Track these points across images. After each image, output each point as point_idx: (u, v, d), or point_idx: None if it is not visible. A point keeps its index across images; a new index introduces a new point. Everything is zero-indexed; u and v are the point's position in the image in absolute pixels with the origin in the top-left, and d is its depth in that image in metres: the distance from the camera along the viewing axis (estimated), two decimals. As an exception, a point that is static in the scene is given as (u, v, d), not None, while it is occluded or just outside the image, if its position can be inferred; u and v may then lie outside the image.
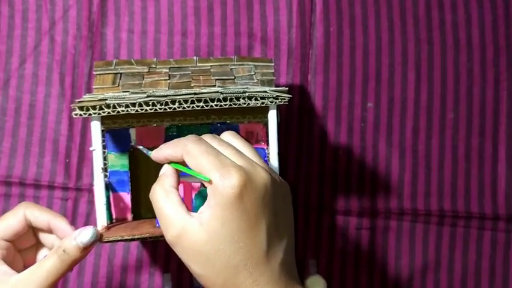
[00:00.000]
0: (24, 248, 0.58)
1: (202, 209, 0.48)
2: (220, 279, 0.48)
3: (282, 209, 0.52)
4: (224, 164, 0.49)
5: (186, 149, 0.50)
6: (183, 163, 0.51)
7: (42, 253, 0.60)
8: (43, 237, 0.59)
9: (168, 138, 0.63)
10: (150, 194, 0.51)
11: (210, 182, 0.48)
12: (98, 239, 0.54)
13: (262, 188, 0.49)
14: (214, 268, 0.48)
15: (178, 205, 0.49)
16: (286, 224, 0.52)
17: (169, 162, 0.53)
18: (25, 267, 0.57)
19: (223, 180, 0.47)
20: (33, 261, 0.59)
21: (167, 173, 0.52)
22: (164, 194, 0.50)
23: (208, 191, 0.48)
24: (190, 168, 0.50)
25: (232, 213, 0.47)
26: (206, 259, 0.48)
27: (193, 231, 0.47)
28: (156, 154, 0.53)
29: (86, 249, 0.53)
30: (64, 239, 0.53)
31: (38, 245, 0.60)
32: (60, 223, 0.57)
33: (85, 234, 0.53)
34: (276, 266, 0.49)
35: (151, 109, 0.57)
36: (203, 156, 0.49)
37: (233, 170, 0.48)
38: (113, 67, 0.65)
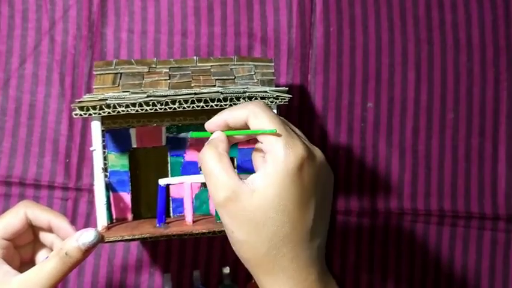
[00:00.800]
0: (22, 245, 0.58)
1: (255, 175, 0.48)
2: (264, 248, 0.47)
3: (328, 193, 0.51)
4: (290, 133, 0.48)
5: (255, 111, 0.49)
6: (240, 128, 0.51)
7: (40, 251, 0.60)
8: (43, 236, 0.59)
9: (168, 138, 0.63)
10: (200, 154, 0.50)
11: (275, 133, 0.47)
12: (100, 240, 0.54)
13: (319, 167, 0.49)
14: (260, 236, 0.47)
15: (230, 169, 0.48)
16: (328, 209, 0.52)
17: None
18: (22, 263, 0.57)
19: (287, 149, 0.47)
20: (31, 258, 0.60)
21: (220, 138, 0.51)
22: (217, 156, 0.48)
23: (268, 157, 0.47)
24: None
25: (290, 183, 0.47)
26: (254, 226, 0.47)
27: (245, 196, 0.47)
28: (214, 119, 0.51)
29: (87, 251, 0.53)
30: (66, 241, 0.53)
31: (36, 241, 0.60)
32: (61, 223, 0.57)
33: (87, 236, 0.53)
34: (316, 246, 0.49)
35: (151, 109, 0.57)
36: (271, 120, 0.48)
37: (298, 141, 0.48)
38: (113, 67, 0.65)
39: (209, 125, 0.52)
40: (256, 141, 0.51)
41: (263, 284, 0.49)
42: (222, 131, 0.51)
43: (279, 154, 0.47)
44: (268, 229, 0.47)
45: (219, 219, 0.60)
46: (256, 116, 0.49)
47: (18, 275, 0.53)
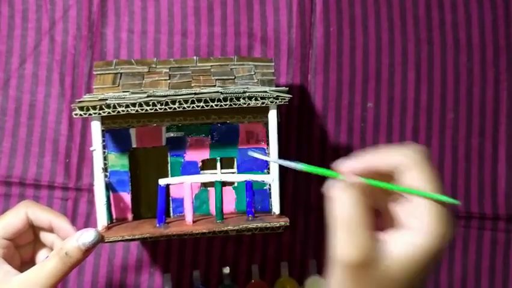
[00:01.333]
0: (22, 244, 0.59)
1: (392, 241, 0.40)
2: None
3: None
4: (448, 214, 0.40)
5: (415, 158, 0.40)
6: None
7: (41, 251, 0.60)
8: (43, 235, 0.59)
9: (168, 138, 0.63)
10: (339, 195, 0.40)
11: (443, 204, 0.40)
12: (100, 240, 0.54)
13: (441, 254, 0.41)
14: None
15: (370, 225, 0.40)
16: None
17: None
18: (22, 263, 0.57)
19: (444, 227, 0.40)
20: (31, 258, 0.60)
21: (367, 188, 0.41)
22: (361, 206, 0.40)
23: (414, 226, 0.40)
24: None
25: (423, 266, 0.39)
26: None
27: (382, 262, 0.39)
28: (353, 162, 0.42)
29: (87, 251, 0.53)
30: (66, 241, 0.53)
31: (36, 241, 0.60)
32: (61, 222, 0.57)
33: (87, 236, 0.53)
34: None
35: (151, 109, 0.57)
36: (432, 180, 0.40)
37: (450, 220, 0.40)
38: (113, 67, 0.65)
39: (345, 167, 0.42)
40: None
41: None
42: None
43: (437, 230, 0.39)
44: None
45: (219, 219, 0.60)
46: (416, 164, 0.40)
47: (18, 274, 0.53)
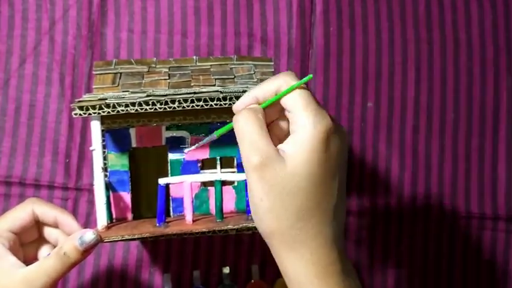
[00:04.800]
0: (26, 242, 0.60)
1: (285, 146, 0.47)
2: (290, 220, 0.46)
3: (345, 171, 0.50)
4: (319, 105, 0.47)
5: (286, 79, 0.48)
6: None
7: (44, 250, 0.62)
8: (48, 232, 0.61)
9: (168, 137, 0.63)
10: (237, 116, 0.48)
11: (304, 89, 0.47)
12: (99, 241, 0.55)
13: (344, 141, 0.48)
14: (287, 206, 0.46)
15: (267, 135, 0.47)
16: (345, 188, 0.50)
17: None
18: (25, 262, 0.58)
19: (318, 120, 0.46)
20: (34, 257, 0.61)
21: (258, 107, 0.49)
22: (256, 120, 0.47)
23: (297, 127, 0.47)
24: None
25: (319, 153, 0.46)
26: (284, 194, 0.46)
27: (279, 162, 0.46)
28: (243, 99, 0.50)
29: (86, 251, 0.54)
30: (65, 241, 0.54)
31: (40, 240, 0.61)
32: (66, 218, 0.59)
33: (86, 237, 0.54)
34: (337, 224, 0.48)
35: (150, 108, 0.57)
36: (302, 92, 0.47)
37: (327, 114, 0.47)
38: (113, 67, 0.65)
39: (238, 106, 0.50)
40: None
41: (283, 259, 0.48)
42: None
43: (310, 123, 0.46)
44: (297, 200, 0.46)
45: (219, 218, 0.60)
46: (289, 85, 0.48)
47: (24, 267, 0.55)
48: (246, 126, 0.47)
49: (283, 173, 0.46)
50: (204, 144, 0.55)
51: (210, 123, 0.63)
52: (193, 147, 0.55)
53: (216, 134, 0.53)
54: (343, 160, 0.49)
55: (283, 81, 0.48)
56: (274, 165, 0.46)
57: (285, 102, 0.48)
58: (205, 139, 0.55)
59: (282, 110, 0.49)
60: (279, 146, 0.47)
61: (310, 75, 0.49)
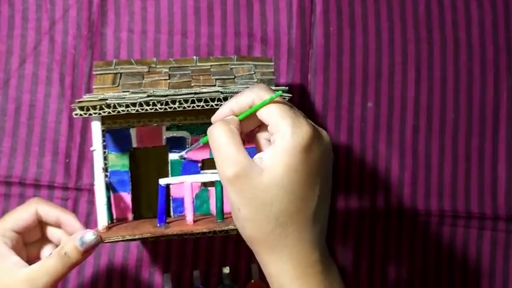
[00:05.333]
0: (29, 242, 0.61)
1: (262, 154, 0.48)
2: (270, 226, 0.47)
3: (330, 176, 0.51)
4: (296, 114, 0.48)
5: (260, 94, 0.49)
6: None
7: (46, 249, 0.62)
8: (51, 232, 0.61)
9: (168, 138, 0.64)
10: (210, 129, 0.49)
11: (282, 103, 0.48)
12: (99, 241, 0.55)
13: (325, 148, 0.49)
14: (266, 214, 0.47)
15: (241, 145, 0.48)
16: (329, 193, 0.51)
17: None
18: (28, 261, 0.58)
19: (295, 128, 0.47)
20: (37, 256, 0.62)
21: (232, 117, 0.50)
22: (228, 132, 0.48)
23: (276, 137, 0.47)
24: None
25: (298, 162, 0.46)
26: (262, 204, 0.47)
27: (254, 173, 0.46)
28: (220, 111, 0.51)
29: (86, 252, 0.55)
30: (66, 241, 0.55)
31: (43, 240, 0.62)
32: (69, 218, 0.59)
33: (86, 238, 0.54)
34: (318, 228, 0.49)
35: (151, 109, 0.57)
36: (278, 104, 0.48)
37: (305, 121, 0.48)
38: (113, 67, 0.65)
39: (215, 117, 0.51)
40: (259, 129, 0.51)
41: (266, 262, 0.49)
42: None
43: (287, 133, 0.47)
44: (276, 207, 0.47)
45: (220, 218, 0.61)
46: (262, 99, 0.49)
47: (26, 266, 0.55)
48: (220, 138, 0.48)
49: (259, 183, 0.46)
50: (203, 145, 0.55)
51: (210, 123, 0.63)
52: (184, 152, 0.58)
53: (201, 142, 0.55)
54: (326, 165, 0.49)
55: (255, 95, 0.49)
56: (250, 175, 0.46)
57: (261, 115, 0.49)
58: (192, 146, 0.58)
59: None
60: (259, 155, 0.48)
61: (279, 92, 0.49)
